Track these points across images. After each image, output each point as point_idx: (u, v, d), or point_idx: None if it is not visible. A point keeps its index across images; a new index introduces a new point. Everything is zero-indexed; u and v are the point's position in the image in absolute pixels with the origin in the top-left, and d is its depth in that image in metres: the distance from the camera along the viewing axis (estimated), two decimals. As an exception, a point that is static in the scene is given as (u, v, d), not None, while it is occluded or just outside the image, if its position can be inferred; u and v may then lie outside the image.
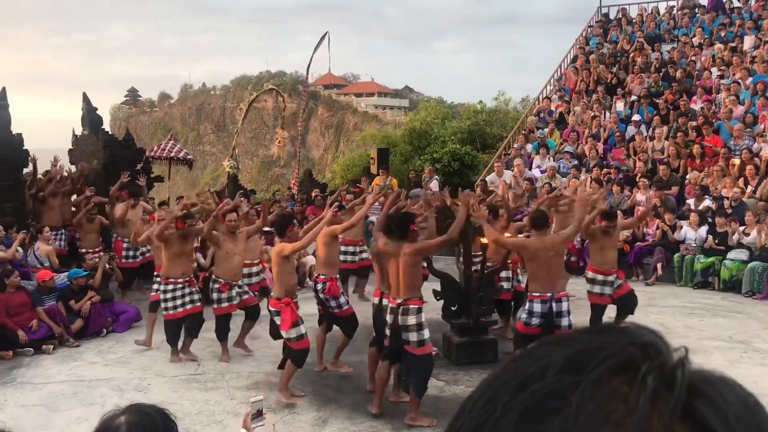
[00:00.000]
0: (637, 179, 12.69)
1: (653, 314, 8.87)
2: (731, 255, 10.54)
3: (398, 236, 6.02)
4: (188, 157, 15.88)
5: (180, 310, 7.46)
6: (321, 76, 74.32)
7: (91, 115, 13.09)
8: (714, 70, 16.01)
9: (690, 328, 8.47)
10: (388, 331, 5.89)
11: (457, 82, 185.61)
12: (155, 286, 8.05)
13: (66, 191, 10.72)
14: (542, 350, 0.53)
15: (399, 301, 5.77)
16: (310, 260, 11.37)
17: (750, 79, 14.72)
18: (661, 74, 16.65)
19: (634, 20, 20.89)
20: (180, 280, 7.47)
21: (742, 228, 10.71)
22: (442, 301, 7.43)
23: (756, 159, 12.22)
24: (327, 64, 62.00)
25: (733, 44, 16.64)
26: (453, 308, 7.53)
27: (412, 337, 5.68)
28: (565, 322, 6.29)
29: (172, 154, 15.12)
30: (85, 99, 13.24)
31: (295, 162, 18.70)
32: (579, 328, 0.56)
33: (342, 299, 7.20)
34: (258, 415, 3.59)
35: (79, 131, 13.24)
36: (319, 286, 7.19)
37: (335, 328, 7.24)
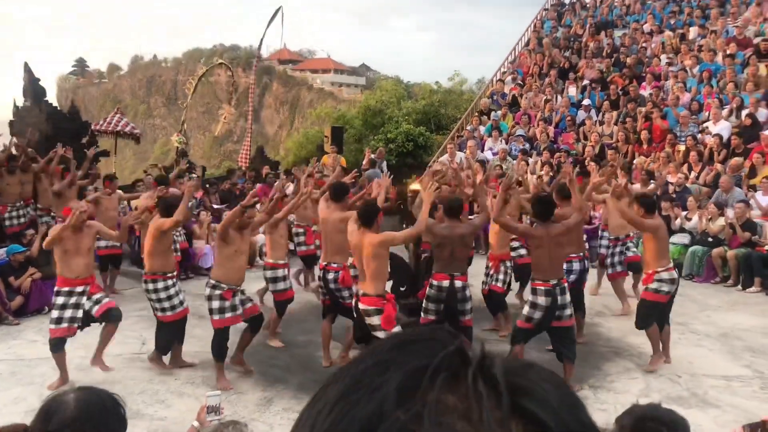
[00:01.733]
0: (586, 163, 12.91)
1: (596, 297, 9.07)
2: (673, 239, 10.82)
3: (333, 199, 6.53)
4: (135, 131, 15.50)
5: (179, 309, 6.63)
6: (276, 51, 73.36)
7: (33, 86, 12.66)
8: (663, 57, 16.34)
9: (631, 310, 8.69)
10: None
11: (414, 61, 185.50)
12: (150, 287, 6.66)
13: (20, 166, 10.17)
14: (367, 380, 0.52)
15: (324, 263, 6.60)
16: (260, 239, 11.29)
17: (697, 66, 15.06)
18: (613, 60, 16.92)
19: (587, 5, 21.15)
20: (172, 274, 6.71)
21: (684, 213, 11.01)
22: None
23: (699, 146, 12.55)
24: (282, 39, 61.22)
25: (682, 32, 16.99)
26: (402, 288, 7.58)
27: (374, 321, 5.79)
28: (567, 312, 6.07)
29: (119, 128, 14.74)
30: (27, 69, 12.79)
31: (248, 137, 18.43)
32: (385, 343, 0.56)
33: (354, 289, 6.66)
34: (214, 409, 3.57)
35: (20, 102, 12.80)
36: (330, 276, 6.74)
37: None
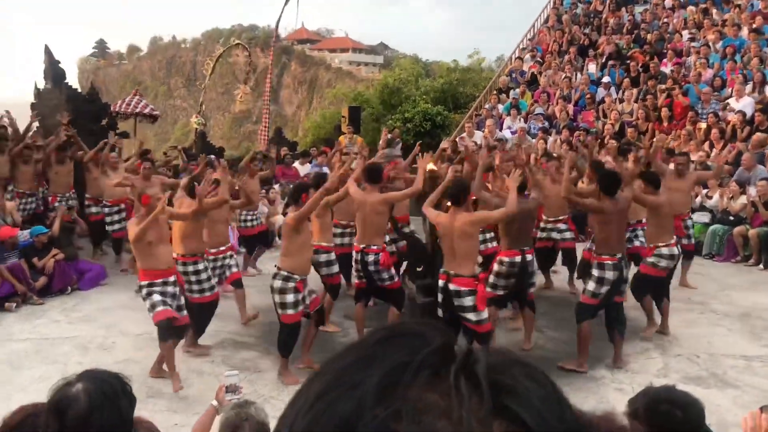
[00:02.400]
0: (606, 141, 12.78)
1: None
2: (694, 217, 10.70)
3: (369, 181, 6.52)
4: (154, 112, 15.59)
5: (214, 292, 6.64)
6: (294, 31, 73.12)
7: (53, 68, 12.74)
8: (685, 32, 16.06)
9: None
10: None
11: (433, 39, 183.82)
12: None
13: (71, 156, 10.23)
14: (348, 377, 0.52)
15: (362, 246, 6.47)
16: (279, 220, 11.35)
17: (721, 42, 14.78)
18: (633, 36, 16.66)
19: (608, -20, 20.77)
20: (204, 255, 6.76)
21: (705, 191, 10.88)
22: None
23: (721, 123, 12.36)
24: (300, 19, 60.95)
25: (705, 6, 16.66)
26: (418, 269, 7.59)
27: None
28: (624, 287, 6.29)
29: (138, 110, 14.83)
30: (47, 52, 12.87)
31: (265, 118, 18.45)
32: (370, 337, 0.55)
33: (392, 270, 6.72)
34: (233, 389, 3.61)
35: (41, 85, 12.90)
36: (370, 258, 6.54)
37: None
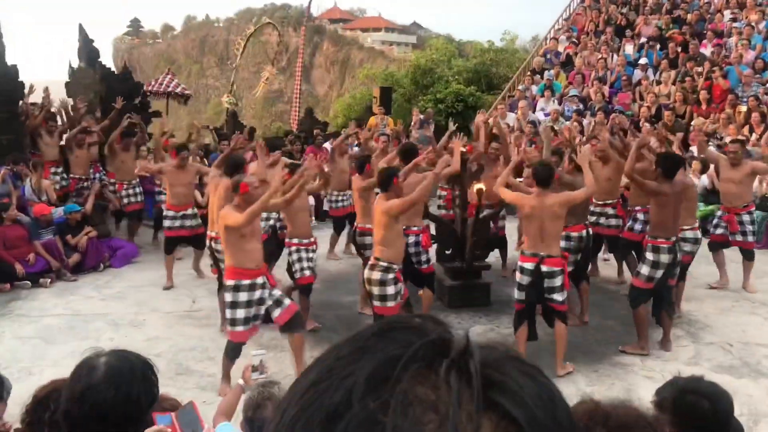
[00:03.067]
0: (641, 124, 12.53)
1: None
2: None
3: (405, 161, 6.61)
4: (186, 92, 15.70)
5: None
6: (327, 10, 72.91)
7: (87, 48, 12.87)
8: (727, 12, 15.61)
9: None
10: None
11: (467, 19, 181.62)
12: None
13: (63, 131, 10.35)
14: (340, 368, 0.52)
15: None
16: (308, 200, 11.36)
17: (764, 22, 14.35)
18: (672, 16, 16.26)
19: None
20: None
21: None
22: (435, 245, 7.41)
23: (762, 106, 12.02)
24: (333, -1, 60.69)
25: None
26: (447, 252, 7.55)
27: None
28: (677, 271, 6.21)
29: (170, 89, 14.95)
30: (81, 31, 13.00)
31: (296, 98, 18.47)
32: (367, 330, 0.55)
33: (430, 253, 6.71)
34: (259, 368, 3.63)
35: (75, 64, 13.06)
36: (411, 239, 6.48)
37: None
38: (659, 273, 5.92)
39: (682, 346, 6.25)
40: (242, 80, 54.74)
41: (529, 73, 16.95)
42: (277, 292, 5.41)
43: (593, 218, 7.68)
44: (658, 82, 14.28)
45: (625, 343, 6.18)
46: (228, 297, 5.27)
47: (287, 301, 5.45)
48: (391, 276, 5.58)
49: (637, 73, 14.75)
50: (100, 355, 1.93)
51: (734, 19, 15.14)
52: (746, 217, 7.66)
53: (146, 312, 7.17)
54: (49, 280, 7.99)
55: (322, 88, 69.56)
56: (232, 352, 5.33)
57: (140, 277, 8.34)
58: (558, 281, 5.60)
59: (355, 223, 7.21)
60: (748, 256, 7.81)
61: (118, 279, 8.37)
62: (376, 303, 5.66)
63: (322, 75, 70.63)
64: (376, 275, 5.60)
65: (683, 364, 5.79)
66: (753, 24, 14.41)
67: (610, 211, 7.79)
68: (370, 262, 5.73)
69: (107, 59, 13.91)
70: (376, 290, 5.62)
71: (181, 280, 8.21)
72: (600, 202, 7.69)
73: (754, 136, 11.62)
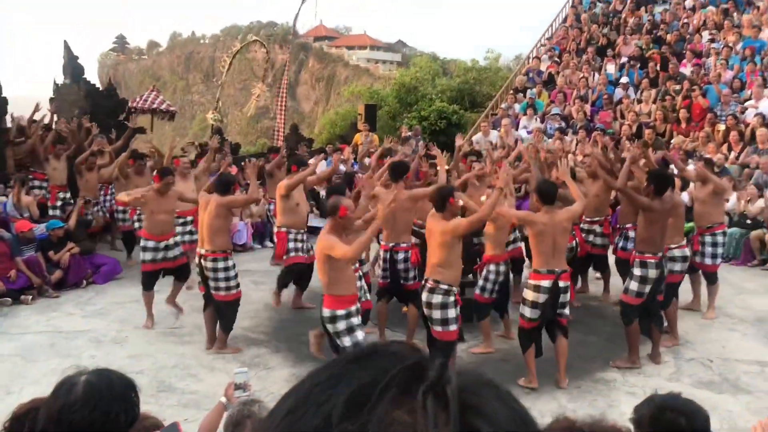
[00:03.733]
0: (622, 142, 12.68)
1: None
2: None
3: (395, 179, 6.66)
4: (171, 108, 15.69)
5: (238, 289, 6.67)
6: (312, 28, 73.18)
7: (72, 64, 12.87)
8: (705, 33, 15.90)
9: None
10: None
11: (452, 37, 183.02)
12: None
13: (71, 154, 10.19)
14: (317, 394, 0.52)
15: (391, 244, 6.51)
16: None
17: (741, 43, 14.62)
18: (652, 36, 16.52)
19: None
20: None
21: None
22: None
23: (740, 125, 12.22)
24: (318, 16, 60.99)
25: (726, 7, 16.48)
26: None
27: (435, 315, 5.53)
28: (663, 286, 6.25)
29: (155, 106, 14.94)
30: (66, 47, 13.00)
31: (281, 115, 18.51)
32: (345, 356, 0.56)
33: (416, 270, 6.63)
34: (241, 386, 3.62)
35: (60, 80, 13.03)
36: (400, 255, 6.58)
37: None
38: (648, 288, 5.99)
39: (664, 362, 6.30)
40: (228, 96, 54.76)
41: (511, 91, 17.13)
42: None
43: (582, 235, 7.76)
44: (639, 101, 14.48)
45: (611, 359, 6.23)
46: (342, 326, 5.02)
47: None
48: (452, 299, 5.44)
49: (618, 92, 14.96)
50: (82, 373, 1.93)
51: (712, 40, 15.43)
52: (708, 239, 7.37)
53: (129, 329, 7.12)
54: (31, 297, 7.92)
55: (307, 105, 69.70)
56: None
57: (123, 294, 8.28)
58: (569, 295, 5.72)
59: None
60: (709, 279, 7.53)
61: (100, 295, 8.31)
62: (437, 327, 5.47)
63: (307, 92, 70.81)
64: (437, 299, 5.41)
65: (664, 380, 5.85)
66: (730, 45, 14.68)
67: (597, 228, 7.86)
68: (428, 285, 5.48)
69: (92, 75, 13.89)
70: (437, 314, 5.43)
71: (163, 297, 8.16)
72: (588, 219, 7.74)
73: (732, 155, 11.81)
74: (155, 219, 7.17)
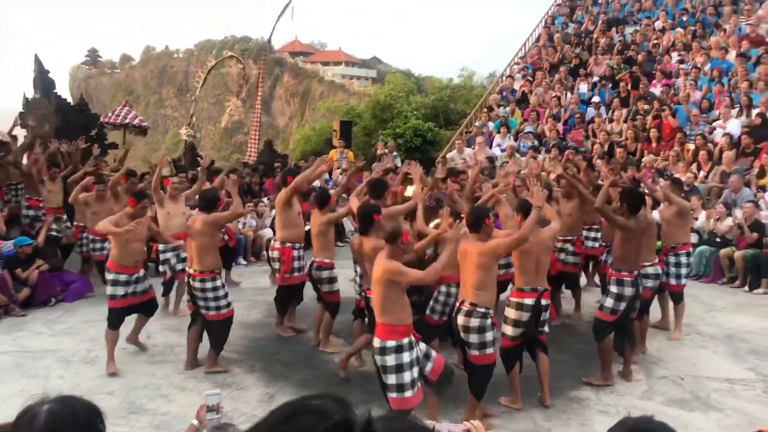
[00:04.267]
0: (594, 161, 12.85)
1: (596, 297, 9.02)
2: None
3: (373, 196, 6.62)
4: (143, 124, 15.57)
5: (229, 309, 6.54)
6: (287, 43, 73.34)
7: (42, 78, 12.71)
8: (674, 54, 16.22)
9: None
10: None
11: (426, 54, 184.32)
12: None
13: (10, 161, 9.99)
14: None
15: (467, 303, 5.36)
16: (267, 233, 11.34)
17: (709, 64, 14.94)
18: (623, 56, 16.82)
19: (599, 1, 21.02)
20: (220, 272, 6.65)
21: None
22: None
23: (709, 144, 12.46)
24: (293, 32, 61.14)
25: (694, 29, 16.85)
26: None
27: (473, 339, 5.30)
28: (638, 304, 6.33)
29: (127, 120, 14.81)
30: (37, 61, 12.84)
31: (255, 130, 18.45)
32: (269, 418, 0.56)
33: None
34: (214, 408, 3.57)
35: (30, 94, 12.86)
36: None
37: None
38: (623, 305, 6.05)
39: (636, 380, 6.34)
40: (201, 111, 54.48)
41: (485, 109, 17.29)
42: (423, 345, 4.89)
43: (554, 254, 7.80)
44: (610, 120, 14.70)
45: (584, 376, 6.27)
46: (391, 361, 4.61)
47: (434, 353, 4.94)
48: (488, 322, 5.26)
49: (590, 111, 15.19)
50: (44, 402, 1.88)
51: (681, 61, 15.75)
52: (672, 259, 7.42)
53: (99, 348, 6.96)
54: (-3, 316, 7.75)
55: (282, 120, 69.63)
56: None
57: (93, 312, 8.13)
58: (548, 313, 5.76)
59: (312, 258, 7.16)
60: (674, 299, 7.56)
61: (69, 314, 8.15)
62: (474, 352, 5.27)
63: (282, 107, 70.76)
64: (475, 322, 5.23)
65: (637, 398, 5.89)
66: (699, 66, 15.00)
67: (569, 247, 7.95)
68: (465, 308, 5.29)
69: (63, 89, 13.72)
70: (474, 338, 5.24)
71: (134, 316, 8.04)
72: (560, 238, 7.78)
73: (701, 173, 12.02)
74: (129, 248, 6.52)
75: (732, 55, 14.76)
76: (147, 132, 16.26)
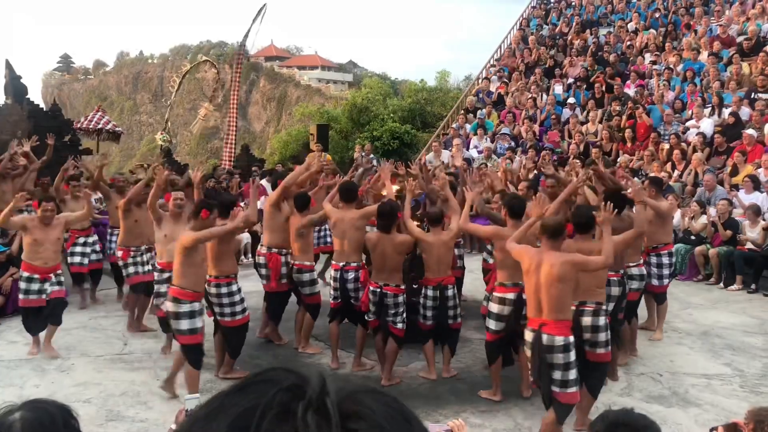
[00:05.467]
0: (570, 161, 12.95)
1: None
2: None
3: (345, 200, 6.58)
4: (117, 129, 15.42)
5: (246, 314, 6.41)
6: (263, 48, 73.11)
7: (14, 84, 12.53)
8: (648, 55, 16.43)
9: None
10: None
11: (402, 57, 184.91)
12: None
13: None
14: (199, 427, 0.54)
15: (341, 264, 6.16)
16: (245, 237, 11.27)
17: (681, 65, 15.15)
18: (597, 58, 17.00)
19: (573, 3, 21.22)
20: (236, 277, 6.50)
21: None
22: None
23: (683, 144, 12.63)
24: (269, 36, 60.93)
25: (666, 30, 17.08)
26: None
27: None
28: (624, 303, 6.32)
29: (100, 126, 14.64)
30: (8, 66, 12.67)
31: (232, 136, 18.35)
32: (223, 390, 0.59)
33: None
34: None
35: (1, 100, 12.69)
36: (351, 275, 6.48)
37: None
38: (610, 306, 5.94)
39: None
40: (177, 116, 54.00)
41: (462, 111, 17.37)
42: None
43: None
44: (585, 121, 14.84)
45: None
46: (560, 359, 4.74)
47: None
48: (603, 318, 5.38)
49: (566, 112, 15.32)
50: (13, 410, 1.82)
51: (654, 62, 15.95)
52: (653, 259, 7.38)
53: (75, 356, 6.89)
54: (-30, 325, 7.61)
55: (258, 125, 69.36)
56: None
57: (69, 320, 7.97)
58: None
59: (291, 261, 7.11)
60: (656, 299, 7.57)
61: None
62: (602, 350, 5.29)
63: (258, 112, 70.50)
64: (603, 321, 5.31)
65: (616, 395, 5.93)
66: (671, 66, 15.20)
67: None
68: (591, 308, 5.31)
69: (36, 95, 13.54)
70: (603, 336, 5.29)
71: (111, 322, 7.96)
72: None
73: (675, 173, 12.18)
74: (39, 250, 6.77)
75: (704, 56, 14.99)
76: (120, 138, 16.09)
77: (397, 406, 0.57)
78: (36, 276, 6.85)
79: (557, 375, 4.75)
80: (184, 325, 5.59)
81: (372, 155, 15.82)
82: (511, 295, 5.65)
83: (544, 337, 4.72)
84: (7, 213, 6.70)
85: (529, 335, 4.87)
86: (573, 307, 5.07)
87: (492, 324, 5.72)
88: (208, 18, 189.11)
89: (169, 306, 5.66)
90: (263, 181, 13.53)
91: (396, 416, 0.56)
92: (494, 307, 5.71)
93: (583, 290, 5.24)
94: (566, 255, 4.87)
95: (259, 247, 7.46)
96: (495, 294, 5.76)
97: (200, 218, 5.75)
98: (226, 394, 0.56)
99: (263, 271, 7.17)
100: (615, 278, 6.07)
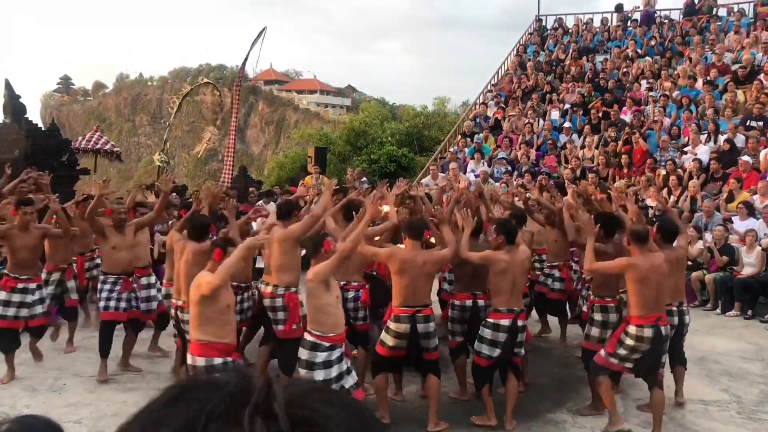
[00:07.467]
0: (566, 186, 12.98)
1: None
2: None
3: (347, 219, 6.55)
4: (115, 149, 15.45)
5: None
6: (262, 72, 73.61)
7: (13, 103, 12.57)
8: (644, 82, 16.57)
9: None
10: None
11: (400, 83, 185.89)
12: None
13: None
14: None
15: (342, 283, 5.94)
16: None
17: (677, 92, 15.28)
18: (594, 84, 17.14)
19: (570, 30, 21.44)
20: None
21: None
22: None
23: (679, 170, 12.68)
24: (268, 60, 61.41)
25: (662, 57, 17.24)
26: (381, 310, 7.50)
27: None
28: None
29: (98, 146, 14.67)
30: (8, 86, 12.72)
31: (231, 158, 18.40)
32: (158, 398, 0.55)
33: (366, 311, 6.35)
34: None
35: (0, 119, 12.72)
36: (351, 295, 6.21)
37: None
38: (609, 333, 5.87)
39: (611, 403, 6.34)
40: (175, 138, 54.23)
41: (459, 136, 17.45)
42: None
43: (542, 279, 7.77)
44: (582, 146, 14.91)
45: (560, 400, 6.25)
46: None
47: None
48: None
49: (562, 137, 15.40)
50: (1, 425, 1.80)
51: (650, 89, 16.08)
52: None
53: (67, 376, 6.83)
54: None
55: (257, 148, 69.60)
56: None
57: (61, 339, 7.96)
58: (524, 335, 5.75)
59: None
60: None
61: (36, 342, 7.94)
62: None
63: (257, 135, 70.78)
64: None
65: (612, 420, 5.87)
66: (667, 93, 15.33)
67: (556, 273, 7.73)
68: (682, 309, 6.19)
69: (35, 116, 13.58)
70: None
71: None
72: (547, 264, 7.77)
73: (672, 199, 12.21)
74: (18, 257, 6.64)
75: (699, 83, 15.12)
76: (119, 157, 16.12)
77: (348, 405, 0.54)
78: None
79: (664, 358, 5.64)
80: None
81: (364, 178, 15.83)
82: (506, 322, 5.57)
83: (662, 329, 5.39)
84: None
85: (648, 331, 5.31)
86: (674, 308, 5.94)
87: (485, 349, 5.63)
88: (208, 42, 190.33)
89: None
90: (260, 202, 13.53)
91: (350, 418, 0.52)
92: (488, 333, 5.62)
93: (680, 290, 6.01)
94: (660, 254, 5.51)
95: (263, 287, 6.39)
96: (489, 320, 5.67)
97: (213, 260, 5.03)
98: (163, 403, 0.52)
99: (281, 315, 6.21)
100: (612, 304, 6.04)
